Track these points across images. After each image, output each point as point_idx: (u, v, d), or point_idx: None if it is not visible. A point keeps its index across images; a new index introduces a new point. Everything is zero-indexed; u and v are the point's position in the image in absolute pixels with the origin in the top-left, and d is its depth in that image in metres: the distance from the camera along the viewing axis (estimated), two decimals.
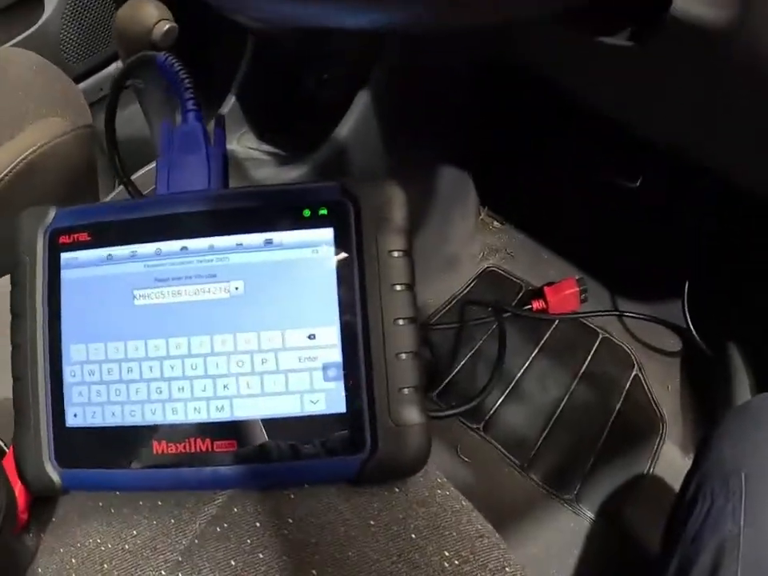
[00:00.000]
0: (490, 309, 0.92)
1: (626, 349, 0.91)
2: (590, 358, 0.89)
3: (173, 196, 0.36)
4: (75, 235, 0.35)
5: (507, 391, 0.86)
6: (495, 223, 1.06)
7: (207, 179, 0.37)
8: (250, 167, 0.77)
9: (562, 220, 0.97)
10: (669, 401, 0.86)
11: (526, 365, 0.88)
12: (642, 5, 0.37)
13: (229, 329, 0.33)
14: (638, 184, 0.83)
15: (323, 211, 0.34)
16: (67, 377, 0.34)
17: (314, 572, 0.31)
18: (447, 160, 0.92)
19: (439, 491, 0.35)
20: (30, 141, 0.56)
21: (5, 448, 0.37)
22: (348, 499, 0.35)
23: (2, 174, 0.54)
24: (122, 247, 0.34)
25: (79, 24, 0.83)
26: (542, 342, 0.90)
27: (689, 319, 0.86)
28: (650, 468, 0.78)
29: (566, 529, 0.73)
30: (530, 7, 0.28)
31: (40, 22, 0.78)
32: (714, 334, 0.86)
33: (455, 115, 0.88)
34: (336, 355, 0.33)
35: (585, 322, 0.93)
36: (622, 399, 0.85)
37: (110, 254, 0.35)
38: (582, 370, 0.88)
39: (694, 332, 0.86)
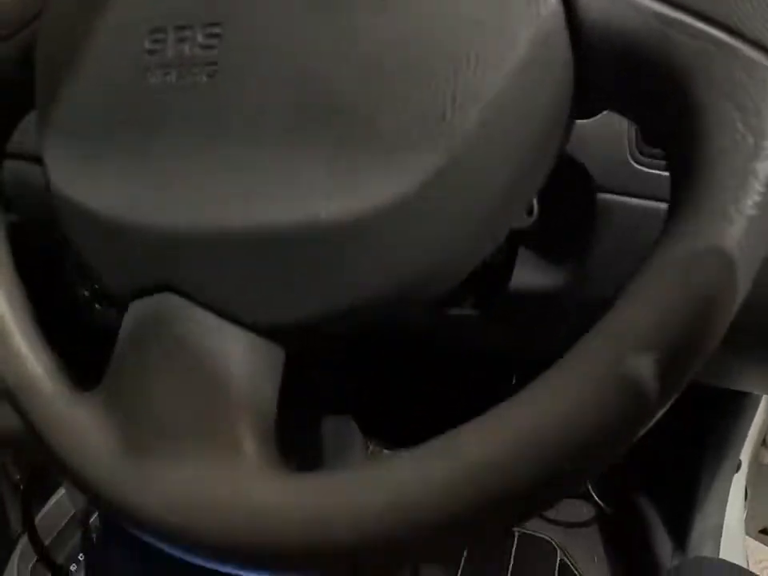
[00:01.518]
0: None
1: (545, 537, 0.92)
2: (512, 562, 0.89)
3: None
4: None
5: None
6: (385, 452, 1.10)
7: None
8: None
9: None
10: (598, 574, 0.87)
11: None
12: (482, 280, 0.43)
13: None
14: None
15: None
16: None
17: None
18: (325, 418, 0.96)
19: None
20: None
21: None
22: None
23: None
24: None
25: None
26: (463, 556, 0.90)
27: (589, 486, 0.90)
28: None
29: None
30: None
31: None
32: (621, 492, 0.89)
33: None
34: None
35: None
36: None
37: None
38: None
39: (597, 498, 0.89)
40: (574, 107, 0.21)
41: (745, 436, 0.67)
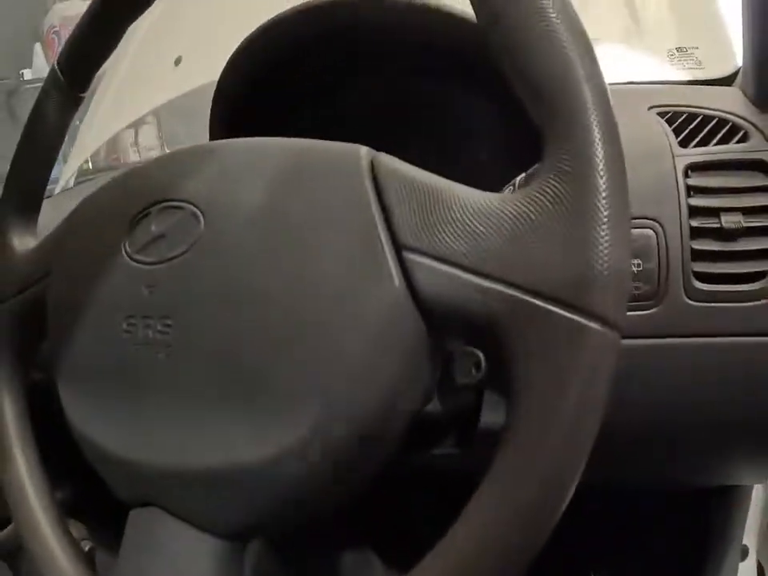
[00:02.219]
0: None
1: None
2: None
3: None
4: None
5: None
6: None
7: None
8: None
9: None
10: None
11: None
12: (458, 424, 0.48)
13: None
14: None
15: None
16: None
17: None
18: None
19: None
20: None
21: None
22: None
23: None
24: None
25: None
26: None
27: None
28: None
29: None
30: None
31: None
32: None
33: None
34: None
35: None
36: None
37: None
38: None
39: None
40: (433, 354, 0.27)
41: (744, 520, 0.67)
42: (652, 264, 0.41)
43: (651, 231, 0.42)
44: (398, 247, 0.25)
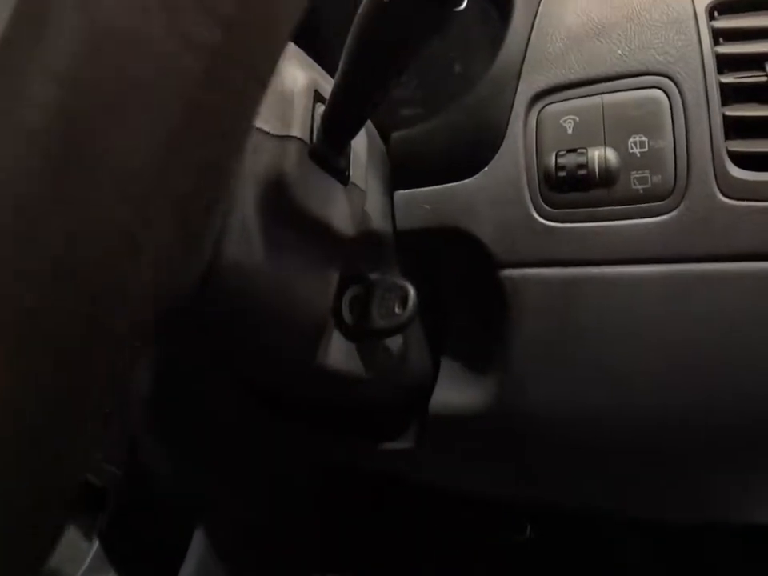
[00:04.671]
0: None
1: None
2: None
3: None
4: None
5: None
6: None
7: None
8: None
9: None
10: None
11: None
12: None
13: None
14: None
15: None
16: None
17: None
18: None
19: None
20: None
21: None
22: None
23: None
24: None
25: None
26: None
27: None
28: None
29: None
30: None
31: None
32: None
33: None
34: None
35: None
36: None
37: None
38: None
39: None
40: None
41: None
42: (664, 142, 0.27)
43: (661, 93, 0.27)
44: None
